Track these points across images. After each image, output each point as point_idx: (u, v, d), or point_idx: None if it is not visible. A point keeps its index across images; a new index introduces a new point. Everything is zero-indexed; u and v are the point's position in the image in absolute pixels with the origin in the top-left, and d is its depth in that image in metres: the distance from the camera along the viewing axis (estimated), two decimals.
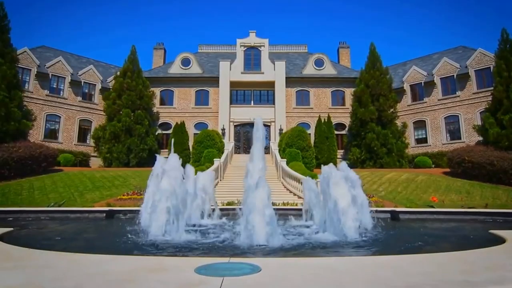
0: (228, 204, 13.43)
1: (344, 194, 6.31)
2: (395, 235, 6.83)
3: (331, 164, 7.18)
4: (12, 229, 5.73)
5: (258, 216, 5.47)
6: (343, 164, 7.59)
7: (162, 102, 33.31)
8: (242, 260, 3.63)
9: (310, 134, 29.61)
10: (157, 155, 7.94)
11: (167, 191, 5.99)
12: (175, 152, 6.90)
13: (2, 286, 2.64)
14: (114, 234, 6.33)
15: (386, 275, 2.95)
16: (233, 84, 32.75)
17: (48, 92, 28.61)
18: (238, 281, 2.70)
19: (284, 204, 14.28)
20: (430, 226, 8.19)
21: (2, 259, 3.62)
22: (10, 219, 9.25)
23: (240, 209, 6.31)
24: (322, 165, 7.74)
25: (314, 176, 13.50)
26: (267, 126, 31.65)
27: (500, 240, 4.64)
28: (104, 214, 9.78)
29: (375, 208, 7.98)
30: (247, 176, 6.98)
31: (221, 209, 9.91)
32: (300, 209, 9.70)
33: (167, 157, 6.95)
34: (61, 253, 4.03)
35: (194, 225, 7.61)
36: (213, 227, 7.53)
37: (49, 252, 4.06)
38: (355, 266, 3.41)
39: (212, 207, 9.48)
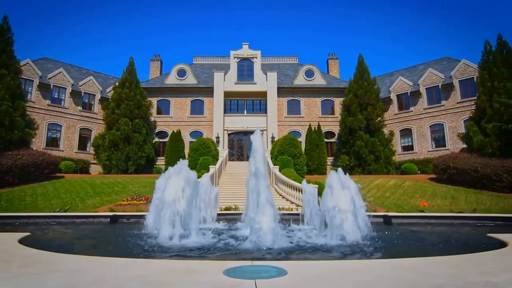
0: (226, 209, 14.00)
1: (343, 198, 6.53)
2: (394, 238, 6.86)
3: (339, 170, 7.55)
4: (29, 233, 5.87)
5: (264, 221, 5.75)
6: (340, 172, 7.98)
7: (159, 112, 34.03)
8: (265, 263, 3.71)
9: (301, 142, 30.53)
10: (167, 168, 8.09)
11: (178, 197, 6.31)
12: (170, 159, 7.35)
13: None
14: (127, 237, 6.45)
15: (409, 276, 2.96)
16: (227, 94, 33.51)
17: (50, 102, 29.27)
18: (271, 284, 2.74)
19: (279, 209, 14.76)
20: (424, 230, 8.36)
21: (33, 262, 3.55)
22: (18, 224, 9.31)
23: (240, 214, 6.51)
24: (313, 172, 8.14)
25: (308, 182, 14.23)
26: None
27: (501, 243, 4.83)
28: (109, 219, 9.89)
29: (369, 213, 8.15)
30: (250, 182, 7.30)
31: (219, 214, 10.18)
32: (295, 214, 10.14)
33: (163, 165, 7.40)
34: (89, 257, 4.01)
35: (200, 229, 7.89)
36: (217, 231, 7.64)
37: (77, 256, 4.13)
38: (375, 268, 3.40)
39: (218, 211, 9.83)
